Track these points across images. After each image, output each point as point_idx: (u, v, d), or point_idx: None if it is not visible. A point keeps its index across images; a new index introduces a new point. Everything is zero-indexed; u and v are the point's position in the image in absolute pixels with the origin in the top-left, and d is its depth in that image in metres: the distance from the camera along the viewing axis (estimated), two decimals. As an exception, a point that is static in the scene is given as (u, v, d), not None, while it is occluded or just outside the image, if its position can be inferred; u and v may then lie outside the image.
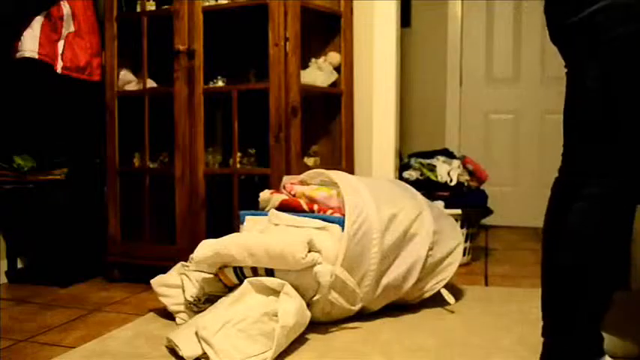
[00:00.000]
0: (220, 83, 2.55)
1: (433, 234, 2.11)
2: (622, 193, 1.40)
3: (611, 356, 1.45)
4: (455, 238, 2.23)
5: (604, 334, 1.48)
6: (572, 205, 1.46)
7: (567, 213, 1.48)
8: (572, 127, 1.48)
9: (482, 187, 3.11)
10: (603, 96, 1.39)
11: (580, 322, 1.47)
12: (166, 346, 1.76)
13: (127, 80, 2.70)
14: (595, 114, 1.41)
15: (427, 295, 2.15)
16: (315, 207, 2.08)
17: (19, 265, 2.74)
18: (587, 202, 1.43)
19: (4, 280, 2.68)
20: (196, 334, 1.67)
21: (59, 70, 2.54)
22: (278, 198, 2.11)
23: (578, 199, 1.45)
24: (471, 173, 3.05)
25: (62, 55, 2.55)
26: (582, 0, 1.37)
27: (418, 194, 2.26)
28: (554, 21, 1.48)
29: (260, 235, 1.95)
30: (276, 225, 2.01)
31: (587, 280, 1.46)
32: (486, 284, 2.58)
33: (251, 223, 2.09)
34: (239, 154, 2.54)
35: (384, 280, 2.00)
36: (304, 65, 2.58)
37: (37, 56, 2.48)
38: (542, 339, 1.67)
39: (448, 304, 2.15)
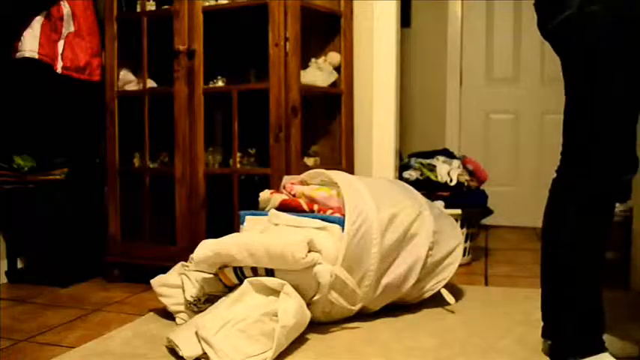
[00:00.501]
0: (220, 83, 2.55)
1: (433, 234, 2.11)
2: (608, 193, 1.42)
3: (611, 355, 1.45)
4: (455, 238, 2.23)
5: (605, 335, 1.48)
6: (567, 206, 1.48)
7: (563, 213, 1.49)
8: (566, 127, 1.50)
9: (482, 187, 3.11)
10: (582, 98, 1.43)
11: (578, 321, 1.47)
12: (166, 346, 1.76)
13: (127, 80, 2.70)
14: (578, 114, 1.44)
15: (427, 295, 2.15)
16: (315, 207, 2.08)
17: (19, 265, 2.74)
18: (578, 203, 1.45)
19: (4, 280, 2.68)
20: (196, 334, 1.67)
21: (59, 70, 2.54)
22: (278, 198, 2.11)
23: (572, 199, 1.47)
24: (471, 173, 3.05)
25: (62, 55, 2.55)
26: (557, 7, 1.41)
27: (418, 194, 2.26)
28: (539, 25, 1.52)
29: (260, 235, 1.95)
30: (276, 225, 2.01)
31: (582, 280, 1.46)
32: (486, 284, 2.58)
33: (251, 223, 2.09)
34: (239, 154, 2.54)
35: (384, 280, 2.00)
36: (304, 65, 2.58)
37: (37, 56, 2.48)
38: (542, 339, 1.68)
39: (448, 304, 2.15)
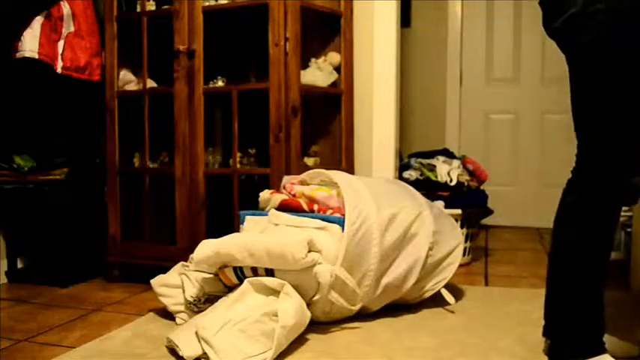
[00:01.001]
0: (220, 83, 2.55)
1: (433, 234, 2.11)
2: (613, 194, 1.41)
3: (611, 356, 1.45)
4: (455, 238, 2.23)
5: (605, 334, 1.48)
6: (574, 205, 1.48)
7: (570, 213, 1.49)
8: (576, 128, 1.50)
9: (482, 187, 3.11)
10: (578, 98, 1.44)
11: (578, 322, 1.47)
12: (166, 346, 1.76)
13: (127, 80, 2.70)
14: (583, 114, 1.45)
15: (427, 295, 2.15)
16: (315, 207, 2.08)
17: (19, 265, 2.74)
18: (584, 203, 1.44)
19: (4, 280, 2.68)
20: (196, 334, 1.67)
21: (59, 70, 2.54)
22: (278, 198, 2.11)
23: (579, 199, 1.47)
24: (471, 173, 3.05)
25: (62, 55, 2.55)
26: (559, 8, 1.41)
27: (418, 194, 2.26)
28: (544, 24, 1.52)
29: (260, 235, 1.95)
30: (276, 225, 2.01)
31: (583, 280, 1.46)
32: (486, 284, 2.58)
33: (251, 223, 2.09)
34: (239, 154, 2.54)
35: (384, 280, 2.00)
36: (304, 65, 2.58)
37: (37, 56, 2.48)
38: (542, 339, 1.68)
39: (448, 304, 2.15)
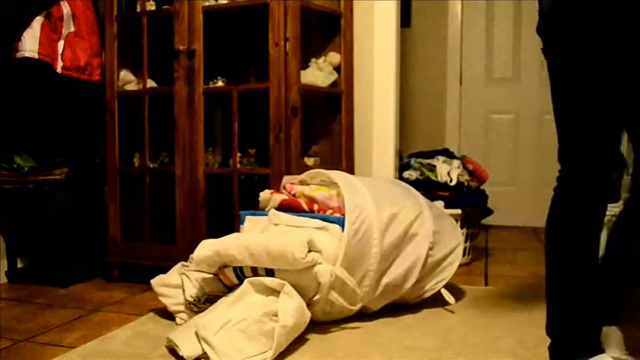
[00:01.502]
0: (220, 83, 2.55)
1: (433, 234, 2.11)
2: (591, 191, 1.41)
3: (611, 355, 1.45)
4: (455, 238, 2.23)
5: (605, 334, 1.48)
6: (561, 205, 1.48)
7: (561, 212, 1.50)
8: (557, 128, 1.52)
9: (482, 187, 3.11)
10: (554, 99, 1.46)
11: (576, 322, 1.47)
12: (166, 346, 1.76)
13: (127, 80, 2.70)
14: (561, 112, 1.46)
15: (427, 295, 2.15)
16: (315, 207, 2.08)
17: (19, 265, 2.74)
18: (572, 203, 1.45)
19: (4, 280, 2.68)
20: (196, 334, 1.67)
21: (59, 70, 2.54)
22: (278, 198, 2.11)
23: (564, 199, 1.48)
24: (471, 173, 3.04)
25: (62, 55, 2.55)
26: (548, 5, 1.43)
27: (418, 194, 2.26)
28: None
29: (260, 235, 1.96)
30: (276, 225, 2.01)
31: (575, 280, 1.46)
32: (486, 284, 2.58)
33: (251, 223, 2.09)
34: (239, 154, 2.54)
35: (384, 280, 2.00)
36: (304, 65, 2.58)
37: (37, 56, 2.48)
38: (542, 339, 1.68)
39: (448, 304, 2.15)
